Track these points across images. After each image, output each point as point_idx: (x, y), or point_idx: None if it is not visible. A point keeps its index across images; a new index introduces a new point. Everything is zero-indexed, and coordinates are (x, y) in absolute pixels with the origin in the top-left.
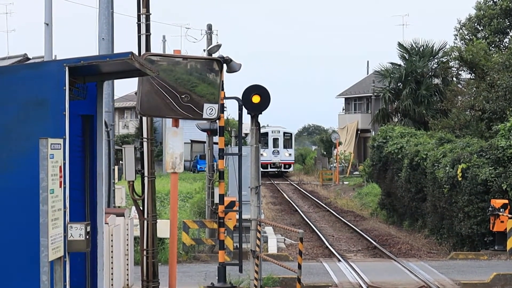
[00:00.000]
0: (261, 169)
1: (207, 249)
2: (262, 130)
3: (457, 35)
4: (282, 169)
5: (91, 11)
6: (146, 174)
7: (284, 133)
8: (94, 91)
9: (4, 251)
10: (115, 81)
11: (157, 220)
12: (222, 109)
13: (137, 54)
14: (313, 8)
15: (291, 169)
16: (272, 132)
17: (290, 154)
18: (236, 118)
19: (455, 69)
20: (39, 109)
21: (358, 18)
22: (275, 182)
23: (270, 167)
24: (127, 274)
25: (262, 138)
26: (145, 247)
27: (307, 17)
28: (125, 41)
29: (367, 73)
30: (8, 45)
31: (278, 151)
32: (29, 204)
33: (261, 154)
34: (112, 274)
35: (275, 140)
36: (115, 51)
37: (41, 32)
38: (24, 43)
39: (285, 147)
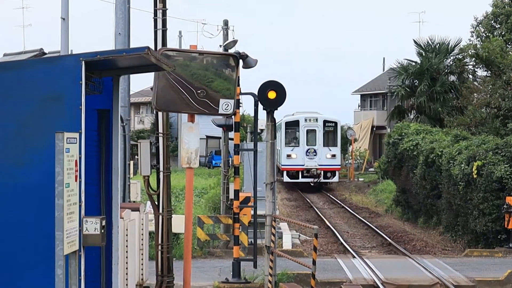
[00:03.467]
0: (287, 178)
1: (221, 244)
2: (289, 118)
3: (473, 32)
4: (322, 179)
5: (107, 6)
6: (161, 169)
7: (325, 121)
8: (110, 86)
9: (20, 245)
10: (131, 76)
11: (172, 215)
12: (237, 104)
13: (153, 49)
14: (328, 3)
15: (335, 178)
16: (306, 120)
17: (334, 156)
18: (252, 114)
19: (471, 66)
20: (55, 104)
21: (374, 14)
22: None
23: (303, 176)
24: (142, 269)
25: (290, 130)
26: (160, 242)
27: (322, 12)
28: (142, 37)
29: (383, 69)
30: (24, 39)
31: (315, 151)
32: (45, 198)
33: (288, 156)
34: (127, 268)
35: (311, 133)
36: (131, 46)
37: (57, 27)
38: (40, 38)
39: (326, 144)
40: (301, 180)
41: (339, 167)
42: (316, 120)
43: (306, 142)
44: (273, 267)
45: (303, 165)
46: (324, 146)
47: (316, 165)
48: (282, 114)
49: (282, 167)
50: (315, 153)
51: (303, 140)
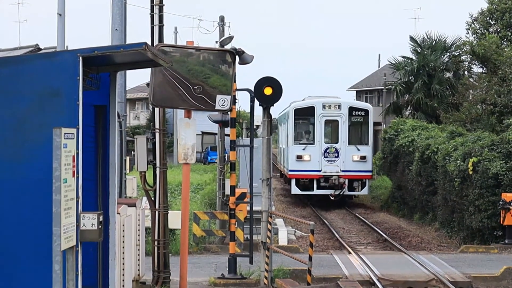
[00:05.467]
0: (297, 189)
1: (217, 240)
2: (300, 104)
3: (469, 29)
4: (346, 191)
5: (104, 2)
6: (158, 164)
7: (352, 109)
8: (107, 82)
9: (17, 240)
10: (127, 72)
11: (168, 211)
12: (233, 101)
13: (150, 45)
14: (325, 0)
15: (364, 190)
16: (325, 107)
17: (363, 158)
18: (248, 110)
19: (467, 63)
20: (52, 99)
21: (370, 11)
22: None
23: (319, 187)
24: (138, 265)
25: (301, 121)
26: (156, 237)
27: (318, 9)
28: (138, 33)
29: (379, 66)
30: (19, 35)
31: (336, 151)
32: (42, 193)
33: (299, 158)
34: (123, 264)
35: (331, 126)
36: (128, 42)
37: (53, 23)
38: (35, 34)
39: (353, 141)
40: (316, 192)
41: (370, 174)
42: (339, 106)
43: (324, 139)
44: (269, 263)
45: (319, 171)
46: (349, 144)
47: (338, 171)
48: (278, 111)
49: (290, 173)
50: (336, 154)
51: (320, 136)
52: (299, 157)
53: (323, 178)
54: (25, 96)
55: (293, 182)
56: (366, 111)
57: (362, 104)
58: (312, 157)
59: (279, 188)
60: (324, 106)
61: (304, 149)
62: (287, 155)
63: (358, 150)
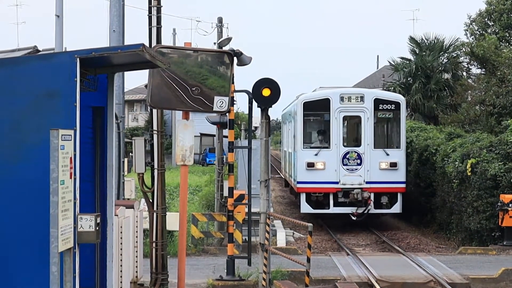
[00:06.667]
0: (307, 207)
1: (216, 242)
2: (311, 96)
3: (467, 30)
4: (372, 209)
5: (101, 3)
6: (156, 166)
7: (378, 101)
8: (105, 83)
9: (15, 241)
10: (125, 74)
11: (167, 213)
12: (232, 102)
13: (148, 46)
14: (323, 0)
15: (396, 206)
16: (343, 99)
17: (393, 166)
18: (246, 112)
19: (466, 64)
20: (50, 101)
21: (368, 12)
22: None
23: (337, 203)
24: (136, 266)
25: (312, 118)
26: (154, 239)
27: (316, 9)
28: (136, 34)
29: (377, 67)
30: (18, 37)
31: (359, 157)
32: (40, 195)
33: (310, 166)
34: (121, 266)
35: (352, 124)
36: (126, 44)
37: (51, 25)
38: (34, 36)
39: (379, 144)
40: (333, 210)
41: (403, 186)
42: (361, 98)
43: (342, 140)
44: (267, 264)
45: (336, 183)
46: (376, 147)
47: (361, 183)
48: (276, 112)
49: (299, 186)
50: (359, 161)
51: (338, 137)
52: (310, 165)
53: (342, 192)
54: (22, 98)
55: (302, 197)
56: (397, 104)
57: (391, 95)
58: (327, 165)
59: (278, 189)
60: (342, 98)
61: (316, 155)
62: (295, 162)
63: (387, 155)
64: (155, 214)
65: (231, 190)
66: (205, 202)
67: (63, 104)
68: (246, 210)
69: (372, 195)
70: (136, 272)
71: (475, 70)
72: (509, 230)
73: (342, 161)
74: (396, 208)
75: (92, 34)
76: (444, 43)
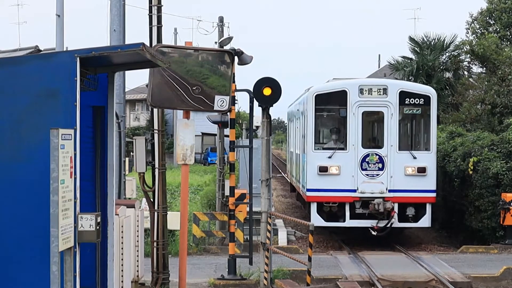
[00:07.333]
0: (319, 219)
1: (217, 241)
2: (324, 87)
3: (468, 29)
4: (396, 223)
5: (102, 3)
6: (157, 165)
7: (404, 94)
8: (105, 82)
9: (15, 241)
10: (126, 73)
11: (168, 212)
12: (233, 101)
13: (148, 45)
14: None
15: (424, 220)
16: (362, 92)
17: (422, 171)
18: (247, 111)
19: (467, 63)
20: (50, 100)
21: (370, 11)
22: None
23: (354, 215)
24: (137, 266)
25: (325, 114)
26: (155, 238)
27: (318, 8)
28: (137, 33)
29: (379, 66)
30: (19, 37)
31: (380, 160)
32: (40, 195)
33: (322, 170)
34: (122, 265)
35: (372, 121)
36: (126, 43)
37: (52, 24)
38: (35, 35)
39: (405, 145)
40: (349, 223)
41: (434, 195)
42: (384, 91)
43: (361, 140)
44: (268, 263)
45: (354, 191)
46: (401, 149)
47: (384, 191)
48: (278, 111)
49: (309, 194)
50: (381, 165)
51: (356, 136)
52: (322, 170)
53: (360, 202)
54: (23, 97)
55: (313, 208)
56: (427, 98)
57: (420, 88)
58: (342, 170)
59: (279, 189)
60: (361, 91)
61: (330, 157)
62: (304, 165)
63: (414, 158)
64: (156, 214)
65: (232, 189)
66: (207, 202)
67: (63, 103)
68: (248, 209)
69: (396, 206)
70: (137, 271)
71: (476, 69)
72: (510, 228)
73: (361, 165)
74: (425, 222)
75: (93, 34)
76: (445, 42)
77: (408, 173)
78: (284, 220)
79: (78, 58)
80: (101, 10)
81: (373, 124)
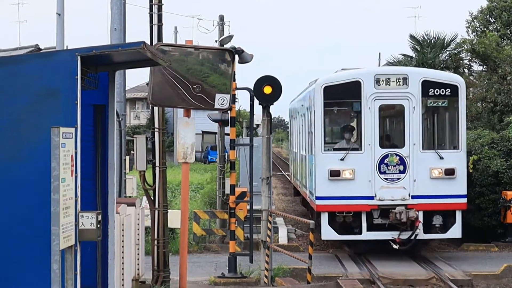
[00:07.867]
0: (330, 231)
1: (217, 239)
2: (335, 78)
3: (468, 27)
4: (421, 234)
5: (103, 1)
6: (157, 164)
7: (427, 83)
8: (106, 81)
9: (16, 240)
10: (127, 71)
11: (168, 210)
12: (233, 100)
13: (149, 44)
14: None
15: (454, 230)
16: (379, 82)
17: (450, 173)
18: (248, 109)
19: (467, 61)
20: (51, 99)
21: (370, 9)
22: None
23: (372, 226)
24: (138, 264)
25: (336, 109)
26: (156, 237)
27: (316, 8)
28: (137, 32)
29: (379, 65)
30: (20, 36)
31: (401, 161)
32: (41, 193)
33: (334, 174)
34: (122, 263)
35: (390, 115)
36: (127, 42)
37: (52, 23)
38: (35, 34)
39: (429, 143)
40: (366, 236)
41: (465, 200)
42: (404, 81)
43: (378, 139)
44: (269, 261)
45: (371, 198)
46: (425, 148)
47: (406, 197)
48: (278, 109)
49: (319, 202)
50: (402, 167)
51: (372, 134)
52: (334, 174)
53: (379, 211)
54: (23, 96)
55: (324, 218)
56: (454, 88)
57: (446, 76)
58: (357, 174)
59: (280, 187)
60: (378, 81)
61: (343, 160)
62: (312, 168)
63: (441, 158)
64: (156, 212)
65: (233, 187)
66: (207, 200)
67: (64, 102)
68: (248, 207)
69: (420, 214)
70: (138, 269)
71: (477, 67)
72: (511, 226)
73: (379, 168)
74: (455, 232)
75: (94, 33)
76: (445, 40)
77: (434, 175)
78: (285, 218)
79: (78, 57)
80: (102, 9)
81: (392, 119)
